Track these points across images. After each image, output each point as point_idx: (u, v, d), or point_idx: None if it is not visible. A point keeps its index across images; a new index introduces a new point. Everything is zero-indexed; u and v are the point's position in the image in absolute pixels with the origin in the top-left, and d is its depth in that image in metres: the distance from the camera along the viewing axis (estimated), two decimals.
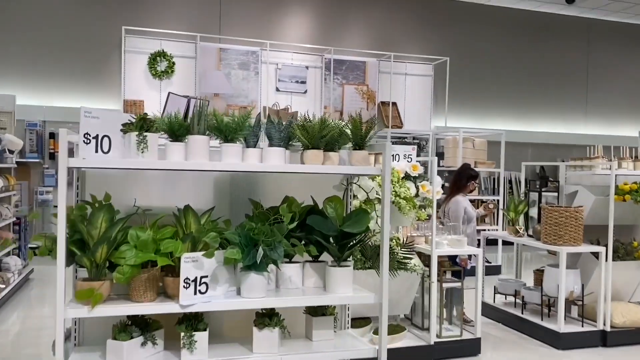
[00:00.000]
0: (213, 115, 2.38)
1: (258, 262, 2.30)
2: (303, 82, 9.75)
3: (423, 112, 10.34)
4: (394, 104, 10.12)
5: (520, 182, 10.98)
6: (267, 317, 2.42)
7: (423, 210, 4.52)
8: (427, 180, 4.66)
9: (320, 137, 2.48)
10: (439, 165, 8.83)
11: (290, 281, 2.56)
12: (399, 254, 4.45)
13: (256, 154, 2.43)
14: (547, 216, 5.10)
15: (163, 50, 8.95)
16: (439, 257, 4.69)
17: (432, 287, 4.60)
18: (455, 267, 4.89)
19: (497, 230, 7.87)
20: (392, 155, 4.71)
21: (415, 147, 4.79)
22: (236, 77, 9.39)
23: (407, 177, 4.63)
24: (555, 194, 5.67)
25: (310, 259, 2.67)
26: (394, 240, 4.46)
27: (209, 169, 2.26)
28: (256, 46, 9.38)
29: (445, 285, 4.76)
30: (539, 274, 5.87)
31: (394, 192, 4.28)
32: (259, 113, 2.50)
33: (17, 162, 7.17)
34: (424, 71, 10.42)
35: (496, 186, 9.13)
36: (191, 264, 2.22)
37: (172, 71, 9.06)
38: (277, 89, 9.61)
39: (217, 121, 2.35)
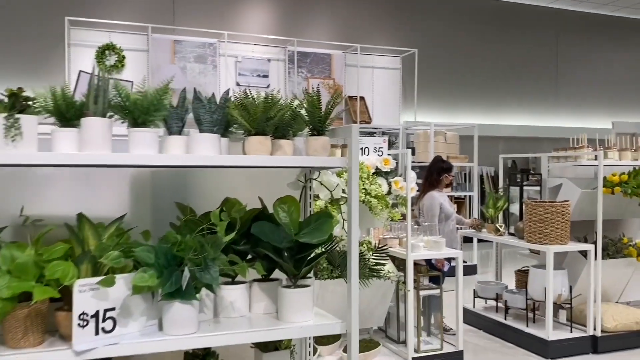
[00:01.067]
0: (117, 90, 1.76)
1: (184, 287, 1.69)
2: (265, 76, 9.12)
3: (392, 106, 9.81)
4: (362, 98, 9.56)
5: (492, 176, 10.58)
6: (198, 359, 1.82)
7: (396, 209, 3.96)
8: (400, 176, 4.10)
9: (265, 119, 1.88)
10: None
11: (233, 308, 1.95)
12: (371, 260, 3.88)
13: (180, 142, 1.80)
14: (530, 212, 4.60)
15: (112, 42, 8.21)
16: (415, 261, 4.14)
17: (408, 295, 4.04)
18: (433, 272, 4.35)
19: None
20: (361, 149, 4.14)
21: (386, 138, 4.23)
22: (192, 71, 8.70)
23: (377, 172, 4.06)
24: (538, 188, 5.18)
25: (260, 277, 2.07)
26: (364, 245, 3.89)
27: (109, 162, 1.63)
28: (214, 37, 8.71)
29: (422, 293, 4.21)
30: (521, 275, 5.38)
31: (363, 190, 3.70)
32: (184, 89, 1.85)
33: None
34: (391, 64, 9.89)
35: (469, 182, 8.66)
36: (89, 294, 1.60)
37: (123, 65, 8.32)
38: (238, 84, 8.94)
39: (123, 98, 1.74)
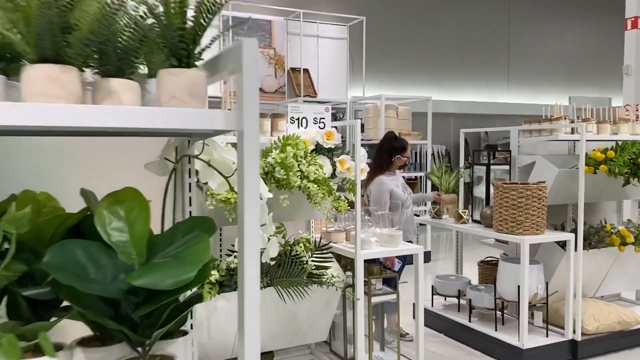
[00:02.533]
0: None
1: None
2: None
3: (339, 79, 8.85)
4: (306, 70, 8.56)
5: (443, 155, 9.82)
6: None
7: (342, 197, 3.02)
8: (347, 154, 3.16)
9: (59, 27, 0.88)
10: None
11: None
12: (309, 263, 2.95)
13: None
14: (501, 196, 3.77)
15: None
16: (367, 261, 3.24)
17: (356, 305, 3.14)
18: (389, 274, 3.45)
19: (425, 210, 6.57)
20: (297, 120, 3.17)
21: (329, 107, 3.27)
22: None
23: (318, 150, 3.12)
24: (506, 167, 4.35)
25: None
26: (301, 245, 2.94)
27: None
28: None
29: (375, 299, 3.32)
30: (485, 268, 4.58)
31: (298, 173, 2.75)
32: None
33: None
34: (338, 33, 8.90)
35: (423, 161, 7.84)
36: None
37: None
38: None
39: None
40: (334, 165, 3.06)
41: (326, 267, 2.99)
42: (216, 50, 1.15)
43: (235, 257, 2.82)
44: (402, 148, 4.25)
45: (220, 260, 2.81)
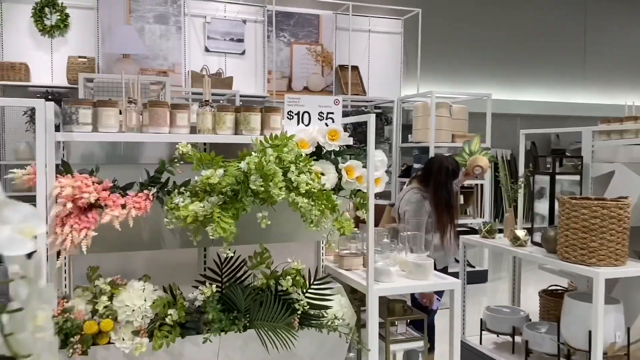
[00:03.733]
0: None
1: None
2: (240, 40, 7.42)
3: (392, 77, 8.05)
4: (355, 67, 7.82)
5: (508, 161, 8.76)
6: None
7: (346, 214, 2.27)
8: (359, 159, 2.41)
9: None
10: (405, 141, 6.59)
11: None
12: (301, 302, 2.23)
13: None
14: (568, 215, 2.89)
15: None
16: (384, 298, 2.47)
17: (366, 357, 2.37)
18: (415, 315, 2.66)
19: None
20: (297, 114, 2.45)
21: (339, 99, 2.52)
22: (152, 33, 7.05)
23: (319, 153, 2.39)
24: (576, 177, 3.45)
25: None
26: (288, 279, 2.22)
27: None
28: None
29: (396, 347, 2.55)
30: (548, 300, 3.68)
31: (281, 183, 2.03)
32: None
33: None
34: (391, 27, 8.11)
35: None
36: None
37: (66, 26, 6.69)
38: (207, 49, 7.27)
39: None
40: (339, 172, 2.32)
41: (325, 307, 2.25)
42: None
43: (202, 291, 2.14)
44: (454, 173, 3.54)
45: (183, 296, 2.14)
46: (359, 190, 2.36)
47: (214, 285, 2.12)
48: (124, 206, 1.99)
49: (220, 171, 1.98)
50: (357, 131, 6.24)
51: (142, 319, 2.06)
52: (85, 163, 2.50)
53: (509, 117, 8.40)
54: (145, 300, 2.08)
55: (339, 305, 2.37)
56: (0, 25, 6.44)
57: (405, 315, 2.58)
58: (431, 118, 5.48)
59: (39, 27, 6.56)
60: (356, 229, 2.50)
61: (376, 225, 2.97)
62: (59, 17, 6.62)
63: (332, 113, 2.48)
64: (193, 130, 2.34)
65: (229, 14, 7.34)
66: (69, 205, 1.85)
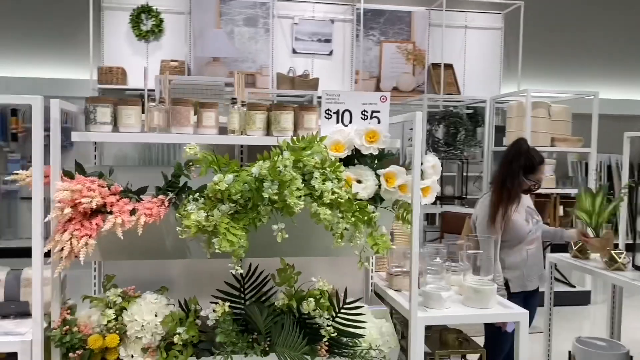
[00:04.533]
0: None
1: None
2: (327, 41, 7.22)
3: (490, 75, 7.46)
4: (450, 66, 7.33)
5: (618, 168, 7.78)
6: None
7: (379, 229, 1.94)
8: (403, 166, 2.07)
9: None
10: (499, 144, 6.00)
11: None
12: (327, 327, 1.94)
13: None
14: None
15: (148, 4, 6.79)
16: (435, 326, 2.11)
17: None
18: (473, 349, 2.26)
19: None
20: (336, 113, 2.16)
21: (387, 95, 2.19)
22: (241, 36, 7.05)
23: (357, 156, 2.08)
24: None
25: None
26: (311, 301, 1.94)
27: None
28: None
29: None
30: None
31: (300, 192, 1.76)
32: None
33: None
34: (490, 22, 7.51)
35: (583, 174, 6.13)
36: None
37: (160, 31, 6.88)
38: (294, 50, 7.16)
39: None
40: (379, 179, 2.00)
41: (358, 336, 1.94)
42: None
43: (215, 309, 1.92)
44: (531, 168, 2.94)
45: (195, 313, 1.93)
46: (401, 200, 2.02)
47: (226, 304, 1.89)
48: (133, 212, 1.82)
49: (230, 176, 1.75)
50: (450, 132, 5.79)
51: (151, 335, 1.88)
52: (118, 165, 2.39)
53: (618, 119, 7.45)
54: (156, 316, 1.90)
55: (378, 333, 2.05)
56: (101, 31, 6.73)
57: (461, 348, 2.20)
58: (526, 119, 4.91)
59: (136, 32, 6.80)
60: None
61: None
62: (153, 23, 6.82)
63: (378, 112, 2.17)
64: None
65: (317, 14, 7.17)
66: (67, 210, 1.71)
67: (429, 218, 6.84)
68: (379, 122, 2.16)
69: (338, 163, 1.86)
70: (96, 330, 1.89)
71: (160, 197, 1.91)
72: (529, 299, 2.91)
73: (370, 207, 1.91)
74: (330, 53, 7.22)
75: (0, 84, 6.59)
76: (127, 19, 6.80)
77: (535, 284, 2.96)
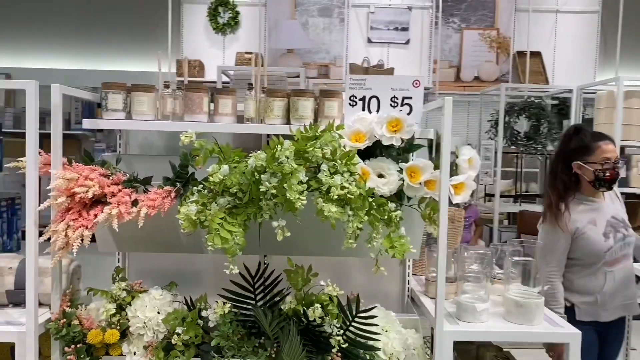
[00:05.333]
0: None
1: None
2: (404, 29, 6.90)
3: (584, 62, 6.80)
4: (537, 54, 6.76)
5: None
6: None
7: (400, 230, 1.70)
8: (430, 159, 1.82)
9: None
10: None
11: None
12: (337, 336, 1.75)
13: None
14: None
15: None
16: (477, 344, 1.84)
17: None
18: None
19: None
20: (362, 100, 1.95)
21: (419, 80, 1.93)
22: (315, 27, 6.91)
23: (381, 147, 1.85)
24: None
25: None
26: (317, 307, 1.74)
27: None
28: None
29: None
30: None
31: (297, 186, 1.57)
32: None
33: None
34: (585, 5, 6.83)
35: None
36: None
37: (237, 23, 6.91)
38: (369, 40, 6.91)
39: None
40: (401, 173, 1.76)
41: (373, 348, 1.73)
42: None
43: (215, 309, 1.78)
44: (584, 148, 2.35)
45: (199, 308, 1.81)
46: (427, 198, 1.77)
47: (227, 304, 1.75)
48: (135, 203, 1.73)
49: (226, 167, 1.59)
50: (531, 124, 5.30)
51: (153, 333, 1.78)
52: (143, 154, 2.33)
53: None
54: (158, 313, 1.80)
55: (402, 345, 1.82)
56: (181, 25, 6.87)
57: None
58: (617, 110, 4.36)
59: (213, 25, 6.87)
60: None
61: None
62: (230, 15, 6.85)
63: (410, 98, 1.92)
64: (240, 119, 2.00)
65: (394, 2, 6.87)
66: (61, 199, 1.64)
67: (510, 217, 6.36)
68: (410, 109, 1.91)
69: (350, 154, 1.65)
70: (102, 324, 1.82)
71: (167, 188, 1.80)
72: (608, 331, 2.39)
73: (391, 205, 1.68)
74: (407, 42, 6.90)
75: (88, 77, 6.92)
76: (205, 12, 6.88)
77: (616, 315, 2.39)
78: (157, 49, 6.93)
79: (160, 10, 6.76)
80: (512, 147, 5.39)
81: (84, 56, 7.20)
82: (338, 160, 1.64)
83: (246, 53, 6.68)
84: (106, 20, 7.12)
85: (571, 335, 1.77)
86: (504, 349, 2.04)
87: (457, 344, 1.75)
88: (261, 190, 1.56)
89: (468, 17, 6.90)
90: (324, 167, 1.61)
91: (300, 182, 1.56)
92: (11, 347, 1.82)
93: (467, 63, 6.86)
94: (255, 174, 1.57)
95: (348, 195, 1.58)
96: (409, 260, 2.27)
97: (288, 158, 1.55)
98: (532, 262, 1.99)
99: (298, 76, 4.57)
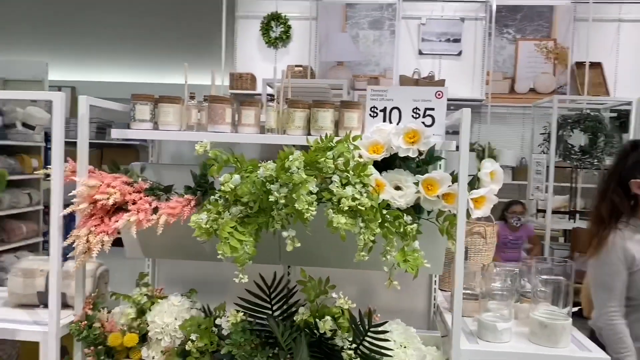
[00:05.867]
0: None
1: None
2: (457, 41, 6.78)
3: None
4: (597, 64, 6.47)
5: None
6: None
7: (412, 244, 1.65)
8: (449, 172, 1.76)
9: None
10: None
11: None
12: (348, 350, 1.72)
13: None
14: None
15: (277, 11, 6.96)
16: None
17: None
18: None
19: None
20: (383, 111, 1.92)
21: (443, 90, 1.89)
22: (365, 39, 6.92)
23: (400, 159, 1.81)
24: None
25: None
26: (327, 320, 1.71)
27: None
28: None
29: None
30: None
31: (306, 197, 1.55)
32: None
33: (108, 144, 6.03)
34: None
35: None
36: None
37: (288, 37, 7.01)
38: (420, 52, 6.84)
39: None
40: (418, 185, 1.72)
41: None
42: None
43: (228, 318, 1.79)
44: None
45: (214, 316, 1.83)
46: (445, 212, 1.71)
47: (240, 313, 1.75)
48: (156, 210, 1.77)
49: (237, 177, 1.61)
50: (588, 138, 5.08)
51: (170, 338, 1.81)
52: (174, 163, 2.38)
53: None
54: (175, 319, 1.83)
55: (419, 357, 1.77)
56: (235, 39, 7.05)
57: None
58: None
59: (265, 39, 7.00)
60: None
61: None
62: (282, 29, 6.96)
63: (432, 109, 1.88)
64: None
65: (446, 13, 6.78)
66: (83, 205, 1.70)
67: (566, 235, 6.08)
68: (433, 121, 1.87)
69: (364, 166, 1.63)
70: (124, 328, 1.87)
71: (187, 196, 1.84)
72: None
73: (407, 218, 1.65)
74: (459, 53, 6.77)
75: (145, 90, 7.19)
76: (258, 27, 7.02)
77: None
78: (212, 63, 7.14)
79: (214, 26, 6.97)
80: (567, 161, 5.17)
81: (144, 70, 7.51)
82: (350, 172, 1.62)
83: (296, 66, 6.76)
84: (165, 36, 7.41)
85: None
86: None
87: None
88: (270, 200, 1.56)
89: (524, 28, 6.71)
90: (335, 178, 1.60)
91: (311, 193, 1.55)
92: None
93: (522, 74, 6.66)
94: (267, 184, 1.58)
95: (359, 206, 1.56)
96: (435, 276, 2.21)
97: (298, 169, 1.55)
98: (562, 281, 1.89)
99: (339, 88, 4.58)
